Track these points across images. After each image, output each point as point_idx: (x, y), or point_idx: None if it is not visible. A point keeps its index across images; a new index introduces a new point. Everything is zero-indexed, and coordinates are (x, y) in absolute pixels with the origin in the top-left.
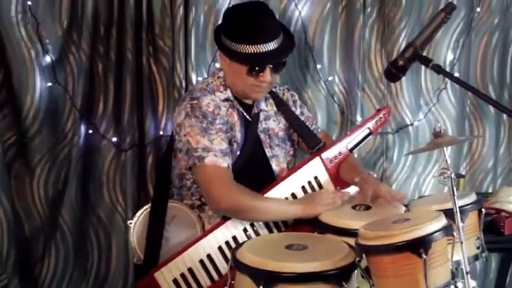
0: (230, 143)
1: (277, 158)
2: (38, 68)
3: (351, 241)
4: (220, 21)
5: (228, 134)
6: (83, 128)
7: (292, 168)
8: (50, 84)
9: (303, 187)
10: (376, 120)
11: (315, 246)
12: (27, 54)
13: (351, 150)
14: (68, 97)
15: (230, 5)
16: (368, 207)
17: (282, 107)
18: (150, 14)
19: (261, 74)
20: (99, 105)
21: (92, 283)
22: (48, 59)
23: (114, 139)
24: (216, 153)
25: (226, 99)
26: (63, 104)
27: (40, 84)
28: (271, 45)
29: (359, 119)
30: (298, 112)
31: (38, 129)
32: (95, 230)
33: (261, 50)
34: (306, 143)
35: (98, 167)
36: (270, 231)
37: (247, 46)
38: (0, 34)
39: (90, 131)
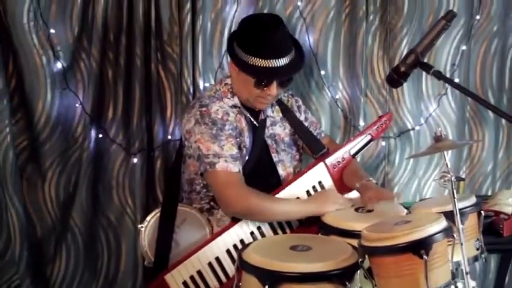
0: (240, 148)
1: (283, 162)
2: (49, 74)
3: (354, 242)
4: (225, 29)
5: (238, 139)
6: (93, 133)
7: (297, 173)
8: (61, 90)
9: (308, 191)
10: (378, 127)
11: (318, 247)
12: (39, 60)
13: (354, 155)
14: (79, 102)
15: (235, 12)
16: (370, 210)
17: (287, 113)
18: (159, 22)
19: (268, 87)
20: (108, 111)
21: (102, 284)
22: (59, 65)
23: (124, 143)
24: (226, 158)
25: (234, 106)
26: (73, 109)
27: (51, 90)
28: (282, 62)
29: (362, 123)
30: (302, 117)
31: (50, 133)
32: (104, 231)
33: (271, 65)
34: (310, 148)
35: (107, 171)
36: (276, 234)
37: (258, 59)
38: (13, 41)
39: (100, 136)
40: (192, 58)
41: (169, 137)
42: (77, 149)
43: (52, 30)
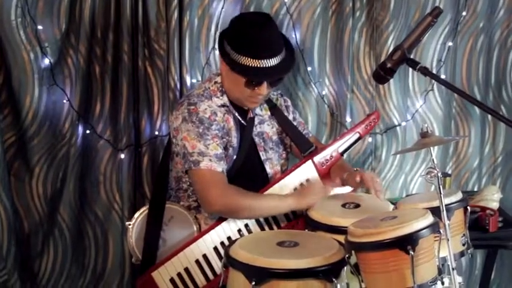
0: (226, 148)
1: (271, 161)
2: (37, 70)
3: (341, 238)
4: (212, 25)
5: (224, 139)
6: (80, 129)
7: (285, 171)
8: (48, 86)
9: (296, 189)
10: (366, 125)
11: (305, 243)
12: (27, 57)
13: (342, 153)
14: (66, 98)
15: (222, 8)
16: (357, 206)
17: (276, 111)
18: (146, 18)
19: (258, 87)
20: (96, 107)
21: (89, 278)
22: (46, 61)
23: (111, 139)
24: (211, 158)
25: (223, 105)
26: (61, 105)
27: (39, 86)
28: (272, 62)
29: (348, 120)
30: (290, 117)
31: (37, 129)
32: (92, 227)
33: (261, 65)
34: (298, 147)
35: (95, 166)
36: (263, 230)
37: (248, 59)
38: (0, 37)
39: (88, 132)
40: (179, 54)
41: (156, 133)
42: (64, 144)
43: (40, 27)
